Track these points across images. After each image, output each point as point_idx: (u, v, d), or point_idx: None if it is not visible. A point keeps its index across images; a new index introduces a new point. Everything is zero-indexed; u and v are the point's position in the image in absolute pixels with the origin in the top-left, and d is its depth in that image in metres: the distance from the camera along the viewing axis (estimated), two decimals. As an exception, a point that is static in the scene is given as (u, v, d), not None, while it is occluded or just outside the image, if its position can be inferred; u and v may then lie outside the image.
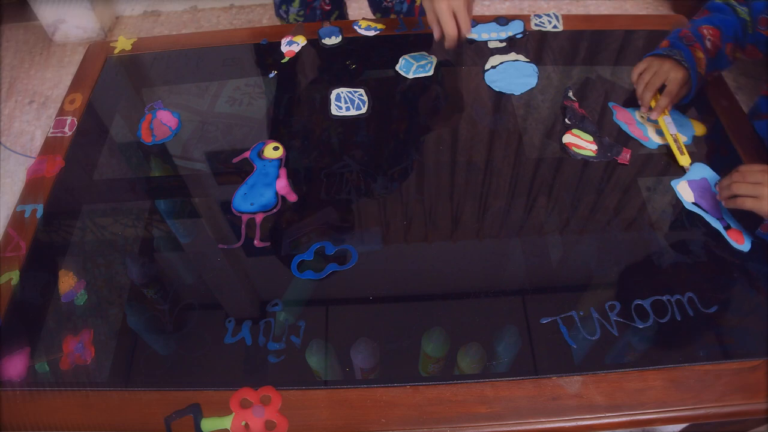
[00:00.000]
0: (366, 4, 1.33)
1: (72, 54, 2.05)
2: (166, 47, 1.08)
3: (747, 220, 0.74)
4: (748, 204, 0.69)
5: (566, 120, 0.89)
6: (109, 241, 0.80)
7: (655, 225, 0.78)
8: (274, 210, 0.80)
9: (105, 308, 0.72)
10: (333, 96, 0.95)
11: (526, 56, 1.00)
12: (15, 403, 0.64)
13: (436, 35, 0.88)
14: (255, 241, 0.77)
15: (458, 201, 0.82)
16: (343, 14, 1.31)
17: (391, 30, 1.07)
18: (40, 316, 0.72)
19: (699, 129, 0.88)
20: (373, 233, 0.78)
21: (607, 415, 0.60)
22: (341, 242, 0.76)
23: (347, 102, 0.94)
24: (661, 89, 0.86)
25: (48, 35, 2.08)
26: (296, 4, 1.20)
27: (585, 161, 0.84)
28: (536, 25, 1.06)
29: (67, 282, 0.75)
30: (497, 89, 0.95)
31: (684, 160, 0.83)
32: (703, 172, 0.82)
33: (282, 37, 1.06)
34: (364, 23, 1.08)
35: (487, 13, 1.31)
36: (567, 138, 0.87)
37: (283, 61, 1.03)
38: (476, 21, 1.06)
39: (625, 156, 0.84)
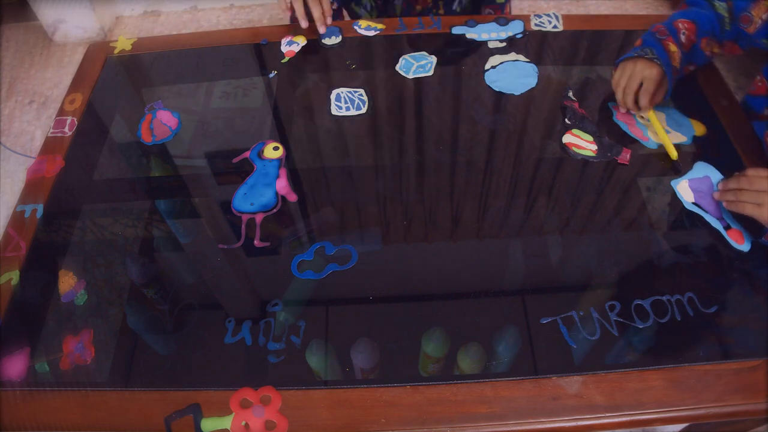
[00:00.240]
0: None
1: (72, 54, 2.05)
2: (166, 47, 1.08)
3: (747, 221, 0.74)
4: (749, 209, 0.70)
5: (566, 120, 0.89)
6: (109, 241, 0.80)
7: (655, 225, 0.78)
8: (274, 210, 0.80)
9: (105, 308, 0.72)
10: (333, 96, 0.95)
11: (526, 56, 1.00)
12: (15, 403, 0.64)
13: (304, 24, 1.04)
14: (255, 241, 0.77)
15: (458, 201, 0.82)
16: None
17: (391, 30, 1.07)
18: (40, 316, 0.72)
19: (699, 129, 0.88)
20: (373, 233, 0.78)
21: (607, 415, 0.60)
22: (341, 242, 0.76)
23: (347, 102, 0.94)
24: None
25: (48, 35, 2.08)
26: None
27: (585, 161, 0.84)
28: (536, 25, 1.06)
29: (67, 282, 0.75)
30: (497, 89, 0.95)
31: (674, 153, 0.83)
32: (706, 170, 0.82)
33: (282, 37, 1.06)
34: (364, 23, 1.08)
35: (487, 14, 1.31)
36: (567, 138, 0.87)
37: (283, 61, 1.03)
38: (476, 21, 1.06)
39: (625, 156, 0.84)
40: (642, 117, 0.87)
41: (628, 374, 0.63)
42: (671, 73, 0.83)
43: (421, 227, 0.79)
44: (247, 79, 1.01)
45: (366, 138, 0.90)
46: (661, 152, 0.85)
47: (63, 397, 0.64)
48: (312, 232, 0.78)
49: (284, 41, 1.06)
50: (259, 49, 1.07)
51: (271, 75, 1.01)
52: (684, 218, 0.78)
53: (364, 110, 0.93)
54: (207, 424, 0.61)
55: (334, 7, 1.24)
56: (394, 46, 1.04)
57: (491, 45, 1.02)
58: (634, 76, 0.84)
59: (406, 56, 1.01)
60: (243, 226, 0.79)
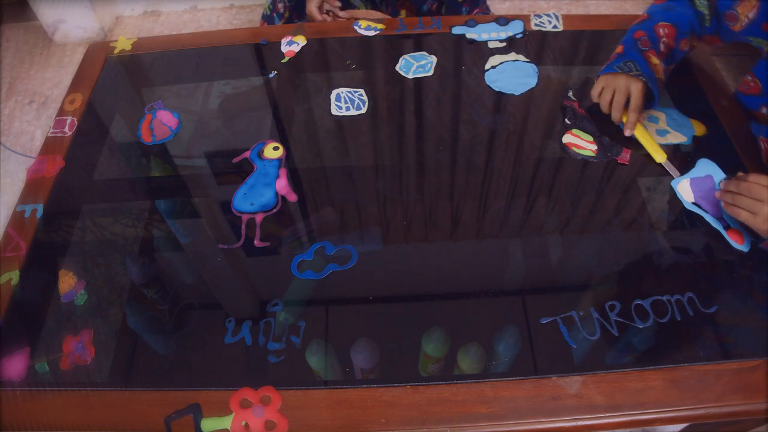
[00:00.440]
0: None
1: (72, 54, 2.05)
2: (166, 47, 1.08)
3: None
4: (743, 216, 0.69)
5: (566, 120, 0.89)
6: (109, 241, 0.80)
7: (655, 225, 0.78)
8: (274, 210, 0.80)
9: (105, 308, 0.72)
10: (333, 96, 0.95)
11: (526, 56, 1.00)
12: (15, 403, 0.64)
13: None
14: (255, 241, 0.77)
15: (458, 201, 0.82)
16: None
17: (391, 30, 1.07)
18: (40, 316, 0.72)
19: (699, 129, 0.88)
20: (373, 233, 0.78)
21: (607, 415, 0.60)
22: (341, 242, 0.76)
23: (347, 102, 0.94)
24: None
25: (48, 35, 2.08)
26: None
27: (585, 161, 0.84)
28: (536, 25, 1.06)
29: (67, 282, 0.75)
30: (497, 89, 0.95)
31: (660, 156, 0.83)
32: (708, 168, 0.81)
33: (282, 37, 1.06)
34: (364, 23, 1.08)
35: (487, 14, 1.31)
36: (567, 138, 0.87)
37: (283, 61, 1.03)
38: (476, 21, 1.06)
39: (625, 156, 0.84)
40: (629, 131, 0.86)
41: (628, 374, 0.63)
42: (657, 87, 0.83)
43: (421, 227, 0.79)
44: (255, 86, 1.01)
45: (366, 138, 0.90)
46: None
47: (63, 397, 0.64)
48: (312, 232, 0.78)
49: (284, 41, 1.06)
50: (259, 49, 1.07)
51: (271, 75, 1.01)
52: (684, 218, 0.78)
53: (364, 110, 0.93)
54: (207, 424, 0.61)
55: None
56: (394, 46, 1.04)
57: (491, 45, 1.02)
58: (620, 91, 0.83)
59: (406, 56, 1.01)
60: (243, 226, 0.79)
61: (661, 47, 0.85)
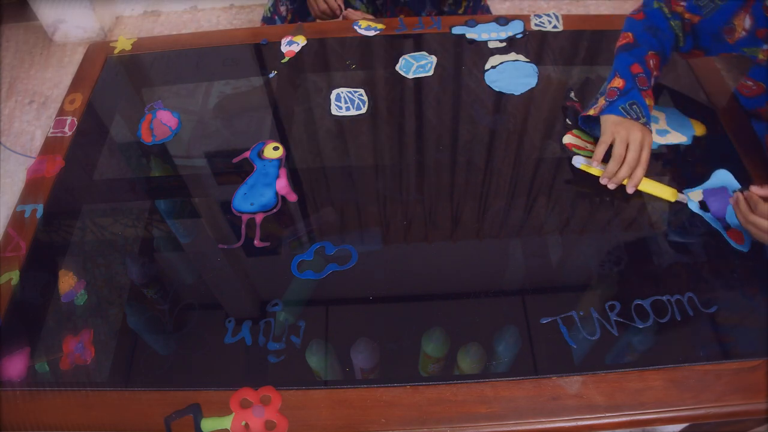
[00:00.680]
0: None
1: (72, 54, 2.05)
2: (166, 47, 1.08)
3: None
4: (765, 239, 0.68)
5: (567, 120, 0.89)
6: (109, 241, 0.80)
7: (655, 225, 0.78)
8: (274, 210, 0.80)
9: (105, 308, 0.72)
10: (333, 96, 0.95)
11: (526, 56, 1.00)
12: (15, 403, 0.64)
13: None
14: (255, 241, 0.77)
15: (458, 201, 0.82)
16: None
17: (391, 30, 1.07)
18: (40, 316, 0.72)
19: (699, 129, 0.88)
20: (373, 233, 0.78)
21: (607, 415, 0.60)
22: (341, 242, 0.76)
23: (347, 102, 0.94)
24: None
25: (48, 35, 2.08)
26: None
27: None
28: (536, 25, 1.06)
29: (67, 282, 0.75)
30: (497, 89, 0.95)
31: (672, 195, 0.79)
32: (723, 179, 0.80)
33: (282, 37, 1.06)
34: (364, 23, 1.08)
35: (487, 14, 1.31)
36: (567, 138, 0.87)
37: (283, 61, 1.03)
38: (476, 21, 1.06)
39: (625, 156, 0.84)
40: (632, 187, 0.83)
41: (628, 374, 0.63)
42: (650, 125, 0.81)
43: (421, 227, 0.79)
44: (255, 86, 1.01)
45: (366, 138, 0.90)
46: (661, 152, 0.85)
47: (63, 397, 0.64)
48: (312, 232, 0.78)
49: (284, 41, 1.06)
50: (259, 49, 1.07)
51: (271, 75, 1.01)
52: (684, 218, 0.78)
53: (364, 110, 0.93)
54: (207, 424, 0.61)
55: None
56: (394, 46, 1.04)
57: (491, 45, 1.02)
58: (634, 146, 0.77)
59: (406, 56, 1.01)
60: (243, 226, 0.79)
61: (652, 82, 0.83)
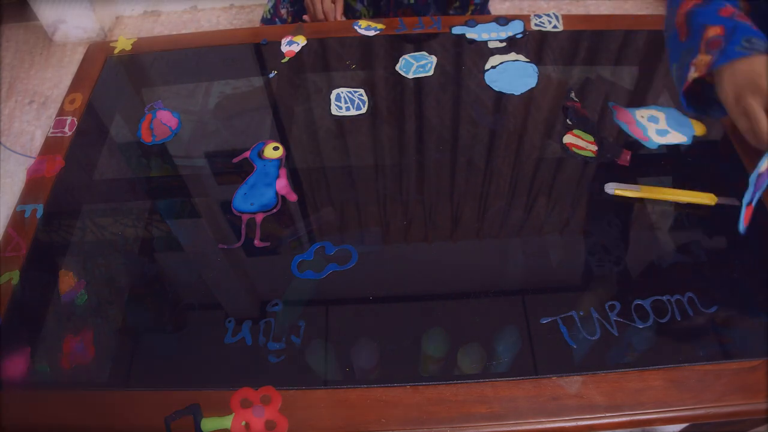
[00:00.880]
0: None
1: (72, 54, 2.05)
2: (166, 47, 1.08)
3: None
4: None
5: (568, 120, 0.89)
6: (109, 241, 0.80)
7: (654, 225, 0.78)
8: (274, 210, 0.80)
9: (105, 308, 0.72)
10: (333, 96, 0.95)
11: (526, 56, 1.00)
12: (15, 403, 0.64)
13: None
14: (255, 241, 0.77)
15: (458, 201, 0.82)
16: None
17: (391, 30, 1.07)
18: (40, 316, 0.72)
19: (699, 129, 0.88)
20: (373, 233, 0.78)
21: (607, 415, 0.60)
22: (341, 242, 0.76)
23: (347, 102, 0.94)
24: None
25: (48, 35, 2.08)
26: None
27: (585, 162, 0.84)
28: (536, 25, 1.06)
29: (67, 282, 0.75)
30: (497, 89, 0.95)
31: (710, 199, 0.74)
32: None
33: (282, 37, 1.06)
34: (364, 23, 1.08)
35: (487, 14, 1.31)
36: (567, 138, 0.87)
37: (283, 61, 1.03)
38: (476, 21, 1.06)
39: (625, 158, 0.84)
40: (642, 117, 0.79)
41: (628, 374, 0.63)
42: None
43: (421, 227, 0.79)
44: (255, 86, 1.01)
45: (366, 138, 0.91)
46: (661, 152, 0.85)
47: (63, 397, 0.64)
48: (312, 232, 0.78)
49: (284, 41, 1.06)
50: (259, 49, 1.07)
51: (271, 75, 1.01)
52: (684, 218, 0.78)
53: (364, 110, 0.93)
54: (207, 424, 0.61)
55: None
56: (394, 46, 1.04)
57: (491, 45, 1.02)
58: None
59: (406, 56, 1.01)
60: (243, 226, 0.79)
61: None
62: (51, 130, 0.93)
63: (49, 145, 0.91)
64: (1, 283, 0.74)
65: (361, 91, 0.96)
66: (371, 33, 1.06)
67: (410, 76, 0.98)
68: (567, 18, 1.06)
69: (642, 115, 0.90)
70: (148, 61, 1.07)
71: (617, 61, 1.01)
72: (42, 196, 0.84)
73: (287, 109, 0.96)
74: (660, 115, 0.90)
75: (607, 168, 0.84)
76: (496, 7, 2.14)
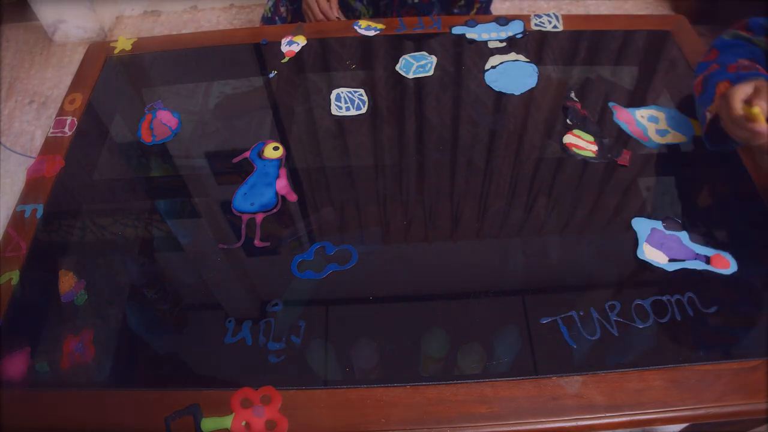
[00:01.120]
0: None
1: (72, 54, 2.05)
2: (166, 47, 1.08)
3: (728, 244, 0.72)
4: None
5: (568, 120, 0.89)
6: (109, 241, 0.80)
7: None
8: (274, 210, 0.80)
9: (105, 308, 0.72)
10: (333, 96, 0.95)
11: (526, 56, 1.00)
12: (15, 403, 0.64)
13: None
14: (255, 241, 0.77)
15: (458, 201, 0.82)
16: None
17: (391, 30, 1.07)
18: (40, 316, 0.72)
19: (699, 129, 0.88)
20: (373, 233, 0.78)
21: (607, 415, 0.60)
22: (341, 242, 0.76)
23: (347, 102, 0.94)
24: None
25: (48, 35, 2.08)
26: None
27: (585, 162, 0.84)
28: (536, 25, 1.06)
29: (67, 282, 0.75)
30: (497, 89, 0.95)
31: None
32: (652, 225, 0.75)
33: (282, 37, 1.06)
34: (364, 23, 1.08)
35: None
36: (567, 138, 0.87)
37: (283, 61, 1.03)
38: (476, 21, 1.06)
39: (625, 157, 0.84)
40: (642, 116, 0.81)
41: (628, 374, 0.63)
42: None
43: (421, 227, 0.79)
44: (255, 86, 1.01)
45: (366, 138, 0.91)
46: (661, 152, 0.85)
47: (63, 397, 0.64)
48: (312, 232, 0.78)
49: (284, 41, 1.06)
50: (259, 49, 1.07)
51: (271, 75, 1.01)
52: (684, 217, 0.78)
53: (364, 110, 0.93)
54: (207, 424, 0.61)
55: None
56: (394, 46, 1.04)
57: (491, 45, 1.02)
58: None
59: (406, 56, 1.01)
60: (243, 226, 0.79)
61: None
62: (51, 130, 0.93)
63: (49, 145, 0.91)
64: (1, 283, 0.74)
65: (361, 91, 0.96)
66: (371, 33, 1.06)
67: (410, 76, 0.98)
68: (567, 18, 1.07)
69: (642, 115, 0.90)
70: (148, 61, 1.07)
71: (617, 61, 1.01)
72: (42, 196, 0.84)
73: (287, 109, 0.96)
74: (660, 115, 0.90)
75: (607, 168, 0.84)
76: (496, 7, 2.14)
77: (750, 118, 0.65)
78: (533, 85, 0.95)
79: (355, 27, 1.07)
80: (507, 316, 0.69)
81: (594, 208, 0.80)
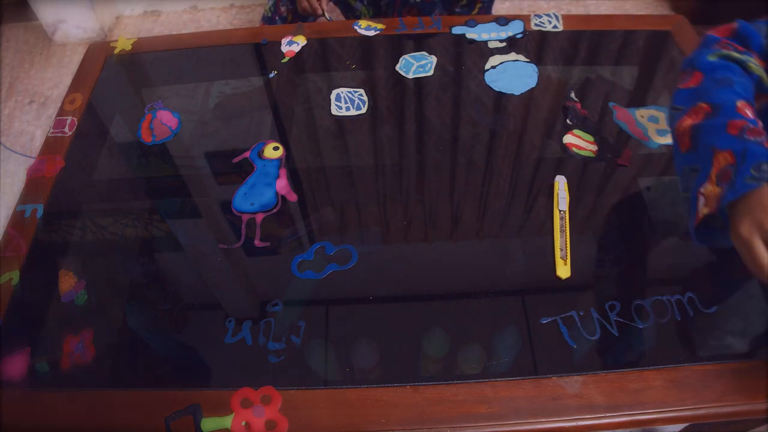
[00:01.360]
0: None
1: (72, 54, 2.05)
2: (166, 47, 1.08)
3: None
4: None
5: (568, 120, 0.89)
6: (109, 241, 0.80)
7: (655, 225, 0.78)
8: (274, 210, 0.80)
9: (105, 308, 0.72)
10: (333, 96, 0.95)
11: (526, 56, 1.00)
12: (15, 403, 0.64)
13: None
14: (255, 241, 0.77)
15: (458, 201, 0.82)
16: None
17: (391, 30, 1.07)
18: (40, 316, 0.72)
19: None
20: (373, 233, 0.78)
21: (607, 415, 0.60)
22: (341, 242, 0.76)
23: (347, 102, 0.94)
24: None
25: (48, 35, 2.08)
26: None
27: (585, 162, 0.84)
28: (536, 25, 1.06)
29: (67, 282, 0.75)
30: (497, 89, 0.95)
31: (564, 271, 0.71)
32: None
33: (282, 37, 1.06)
34: (364, 23, 1.08)
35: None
36: (568, 138, 0.87)
37: (283, 61, 1.03)
38: (476, 21, 1.06)
39: (625, 157, 0.84)
40: (642, 116, 0.82)
41: (628, 374, 0.63)
42: None
43: (421, 227, 0.79)
44: (255, 86, 1.01)
45: (366, 138, 0.91)
46: (661, 152, 0.85)
47: (63, 397, 0.64)
48: (312, 232, 0.78)
49: (284, 41, 1.06)
50: (259, 49, 1.07)
51: (271, 75, 1.01)
52: (684, 218, 0.78)
53: (364, 110, 0.93)
54: (207, 424, 0.61)
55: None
56: (394, 46, 1.04)
57: (491, 45, 1.02)
58: None
59: (406, 56, 1.01)
60: (243, 226, 0.79)
61: (762, 129, 0.57)
62: (51, 130, 0.93)
63: (49, 145, 0.91)
64: (1, 283, 0.74)
65: (361, 91, 0.96)
66: (371, 33, 1.06)
67: (410, 76, 0.98)
68: (567, 18, 1.07)
69: (642, 115, 0.90)
70: (148, 61, 1.07)
71: (617, 61, 1.01)
72: (42, 196, 0.84)
73: (287, 109, 0.96)
74: (660, 115, 0.90)
75: (607, 168, 0.84)
76: (496, 7, 2.13)
77: None
78: (533, 85, 0.95)
79: (355, 27, 1.07)
80: (507, 316, 0.69)
81: (594, 208, 0.80)
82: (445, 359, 0.65)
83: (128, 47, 1.08)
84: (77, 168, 0.89)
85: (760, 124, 0.58)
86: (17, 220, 0.81)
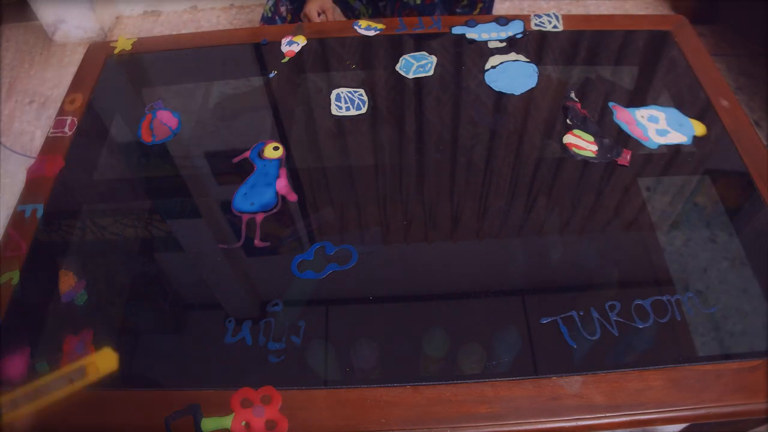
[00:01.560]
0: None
1: (72, 54, 2.05)
2: (166, 47, 1.08)
3: None
4: None
5: (568, 120, 0.89)
6: (109, 241, 0.80)
7: (655, 225, 0.78)
8: (274, 210, 0.80)
9: (105, 308, 0.72)
10: (333, 96, 0.95)
11: (526, 56, 1.00)
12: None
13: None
14: (255, 241, 0.77)
15: (458, 201, 0.82)
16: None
17: (391, 30, 1.07)
18: (40, 316, 0.72)
19: (699, 129, 0.88)
20: (373, 233, 0.78)
21: (607, 415, 0.60)
22: (341, 242, 0.76)
23: (347, 102, 0.94)
24: None
25: (48, 35, 2.08)
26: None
27: (585, 162, 0.84)
28: (536, 25, 1.06)
29: (67, 282, 0.75)
30: (497, 89, 0.95)
31: None
32: None
33: (282, 37, 1.06)
34: (364, 23, 1.08)
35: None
36: (567, 138, 0.87)
37: (283, 61, 1.03)
38: (476, 21, 1.06)
39: (625, 157, 0.84)
40: (643, 117, 0.81)
41: (628, 374, 0.63)
42: None
43: (421, 227, 0.79)
44: (255, 86, 1.01)
45: (366, 138, 0.91)
46: (661, 152, 0.85)
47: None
48: (312, 232, 0.78)
49: (284, 41, 1.06)
50: (259, 49, 1.07)
51: (271, 75, 1.01)
52: (684, 218, 0.78)
53: (364, 110, 0.93)
54: (207, 424, 0.61)
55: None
56: (394, 46, 1.04)
57: (491, 45, 1.02)
58: None
59: (406, 56, 1.01)
60: (243, 226, 0.79)
61: None
62: (51, 130, 0.93)
63: (49, 145, 0.91)
64: (1, 283, 0.74)
65: (361, 91, 0.96)
66: (371, 33, 1.06)
67: (410, 76, 0.98)
68: (567, 18, 1.07)
69: (642, 115, 0.90)
70: (148, 61, 1.07)
71: (617, 61, 1.01)
72: (42, 196, 0.84)
73: (287, 109, 0.96)
74: (660, 115, 0.90)
75: (607, 168, 0.84)
76: (496, 7, 2.13)
77: None
78: (533, 85, 0.95)
79: (355, 27, 1.07)
80: (507, 316, 0.69)
81: (594, 208, 0.80)
82: (445, 359, 0.65)
83: (128, 47, 1.08)
84: (77, 168, 0.89)
85: None
86: (17, 220, 0.81)
